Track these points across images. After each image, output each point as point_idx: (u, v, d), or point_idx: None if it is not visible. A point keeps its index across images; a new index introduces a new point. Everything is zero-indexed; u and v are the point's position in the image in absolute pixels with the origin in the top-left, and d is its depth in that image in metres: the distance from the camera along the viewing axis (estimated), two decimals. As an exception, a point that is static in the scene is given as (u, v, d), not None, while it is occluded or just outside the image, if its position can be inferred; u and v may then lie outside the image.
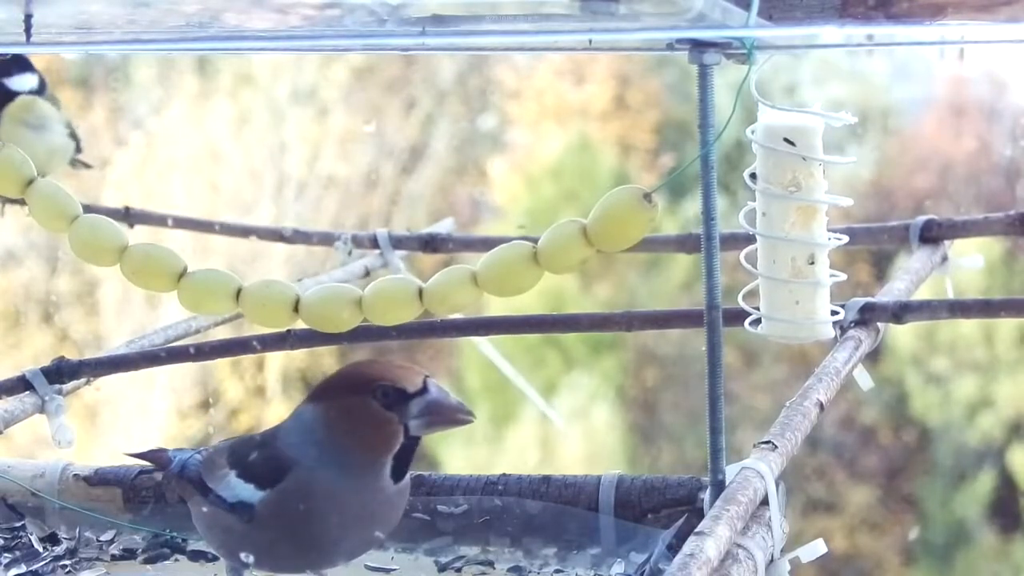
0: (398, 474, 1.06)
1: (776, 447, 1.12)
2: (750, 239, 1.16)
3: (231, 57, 3.64)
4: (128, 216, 2.10)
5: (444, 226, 1.97)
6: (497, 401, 3.50)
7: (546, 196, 3.79)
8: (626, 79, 3.84)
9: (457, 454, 3.51)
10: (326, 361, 3.81)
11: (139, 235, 2.10)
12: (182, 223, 2.14)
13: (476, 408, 1.06)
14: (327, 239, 1.96)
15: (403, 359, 1.08)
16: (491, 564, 1.19)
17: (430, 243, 1.90)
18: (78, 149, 2.13)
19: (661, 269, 3.69)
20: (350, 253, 1.90)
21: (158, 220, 2.13)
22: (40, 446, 1.53)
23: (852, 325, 1.37)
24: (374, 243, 1.90)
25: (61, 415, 1.35)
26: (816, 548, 1.09)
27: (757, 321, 1.16)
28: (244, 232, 2.18)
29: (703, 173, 1.07)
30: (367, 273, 1.85)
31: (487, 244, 1.78)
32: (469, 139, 3.91)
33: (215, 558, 1.21)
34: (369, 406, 1.05)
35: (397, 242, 1.90)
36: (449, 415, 1.05)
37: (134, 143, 3.71)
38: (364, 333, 1.30)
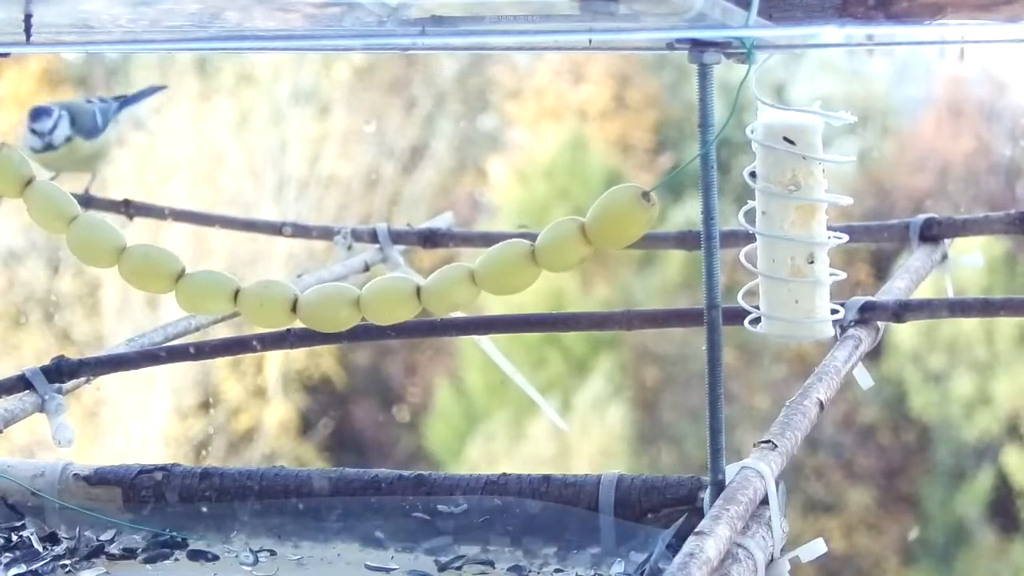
0: None
1: (776, 446, 1.12)
2: (750, 237, 1.16)
3: (232, 57, 3.64)
4: (127, 208, 2.10)
5: (443, 220, 1.96)
6: (493, 399, 3.50)
7: (539, 193, 3.79)
8: (625, 79, 3.84)
9: (453, 452, 3.51)
10: (326, 361, 3.81)
11: (139, 229, 2.10)
12: (180, 216, 2.14)
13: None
14: (326, 233, 1.95)
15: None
16: (491, 564, 1.19)
17: (429, 238, 1.89)
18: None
19: (656, 267, 3.69)
20: (350, 247, 1.89)
21: (157, 213, 2.13)
22: (40, 446, 1.53)
23: (852, 324, 1.37)
24: (373, 238, 1.90)
25: (61, 414, 1.35)
26: (816, 548, 1.09)
27: (756, 320, 1.16)
28: (243, 226, 2.17)
29: (703, 173, 1.07)
30: (367, 268, 1.85)
31: (487, 240, 1.78)
32: (469, 139, 3.91)
33: (215, 558, 1.21)
34: None
35: (396, 237, 1.90)
36: None
37: (135, 143, 3.71)
38: (364, 332, 1.30)
